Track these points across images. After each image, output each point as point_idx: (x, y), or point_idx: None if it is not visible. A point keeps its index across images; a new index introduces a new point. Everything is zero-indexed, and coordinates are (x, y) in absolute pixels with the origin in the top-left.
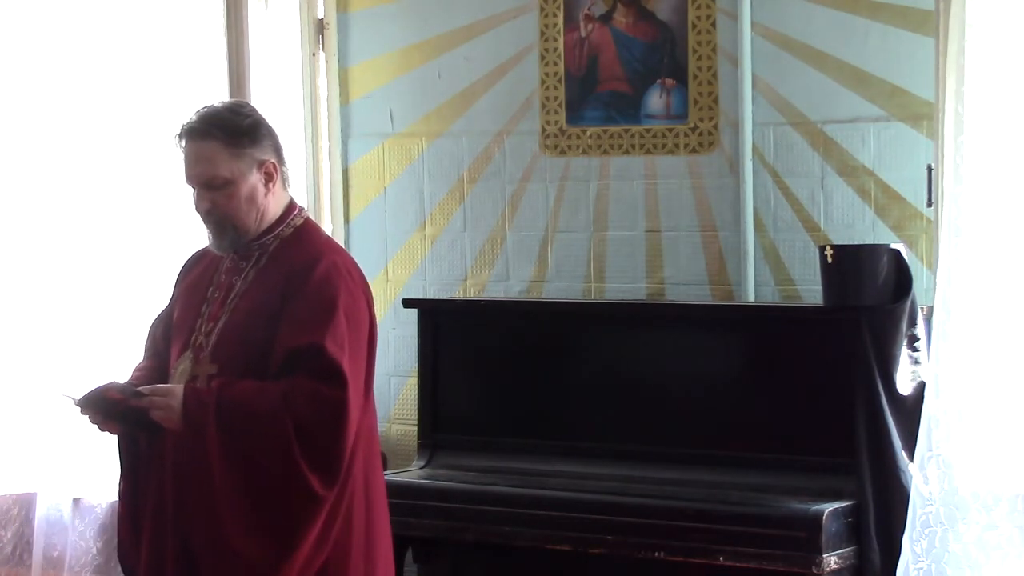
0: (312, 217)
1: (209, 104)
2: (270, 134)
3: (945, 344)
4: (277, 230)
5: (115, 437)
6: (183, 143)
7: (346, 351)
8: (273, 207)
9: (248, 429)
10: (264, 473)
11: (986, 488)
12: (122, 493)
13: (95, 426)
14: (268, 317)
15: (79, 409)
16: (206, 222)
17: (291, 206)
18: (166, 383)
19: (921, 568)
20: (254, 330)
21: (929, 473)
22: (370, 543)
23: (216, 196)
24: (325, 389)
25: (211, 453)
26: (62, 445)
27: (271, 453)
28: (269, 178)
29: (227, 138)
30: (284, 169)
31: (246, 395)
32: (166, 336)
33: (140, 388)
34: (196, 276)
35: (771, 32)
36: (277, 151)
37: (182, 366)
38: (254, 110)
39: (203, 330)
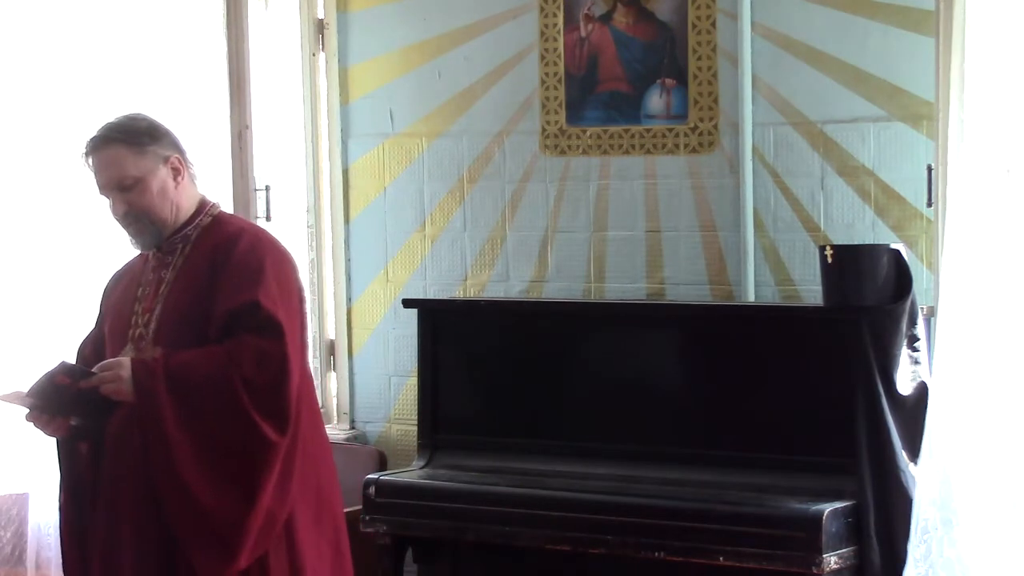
0: (312, 217)
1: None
2: (168, 133)
3: (945, 344)
4: (196, 221)
5: (55, 446)
6: (90, 159)
7: (280, 305)
8: (186, 202)
9: (198, 389)
10: (218, 429)
11: (983, 491)
12: (63, 505)
13: (40, 430)
14: (202, 293)
15: (27, 402)
16: (125, 225)
17: (205, 202)
18: None
19: (920, 573)
20: (191, 308)
21: (928, 475)
22: (320, 502)
23: (130, 196)
24: (265, 342)
25: (165, 418)
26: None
27: (222, 408)
28: (177, 173)
29: (128, 139)
30: (191, 167)
31: (192, 358)
32: (97, 352)
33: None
34: (122, 289)
35: (771, 32)
36: (179, 149)
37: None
38: (148, 115)
39: (140, 323)
